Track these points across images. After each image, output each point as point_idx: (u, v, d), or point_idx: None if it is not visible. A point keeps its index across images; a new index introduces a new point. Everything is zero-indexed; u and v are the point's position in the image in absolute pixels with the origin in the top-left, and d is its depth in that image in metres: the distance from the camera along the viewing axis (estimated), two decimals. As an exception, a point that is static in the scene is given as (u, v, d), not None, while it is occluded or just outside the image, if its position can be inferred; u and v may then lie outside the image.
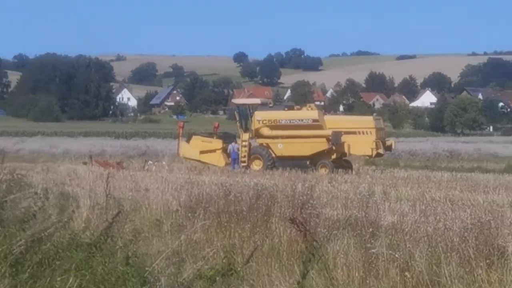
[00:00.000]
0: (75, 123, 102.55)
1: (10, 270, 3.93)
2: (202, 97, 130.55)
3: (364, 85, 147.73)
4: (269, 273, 4.99)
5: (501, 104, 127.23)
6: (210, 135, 27.49)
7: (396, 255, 4.55)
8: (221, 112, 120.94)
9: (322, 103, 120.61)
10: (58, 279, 3.92)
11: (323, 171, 22.61)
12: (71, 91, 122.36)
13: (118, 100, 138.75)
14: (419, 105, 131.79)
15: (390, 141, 27.47)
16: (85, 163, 22.89)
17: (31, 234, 4.23)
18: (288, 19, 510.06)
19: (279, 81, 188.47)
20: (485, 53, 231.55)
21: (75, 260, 4.15)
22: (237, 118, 26.37)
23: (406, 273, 4.17)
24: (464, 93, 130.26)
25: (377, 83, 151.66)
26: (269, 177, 17.63)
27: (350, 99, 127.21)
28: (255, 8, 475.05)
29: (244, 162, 24.30)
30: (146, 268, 4.16)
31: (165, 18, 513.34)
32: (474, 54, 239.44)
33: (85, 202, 8.64)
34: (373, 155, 24.81)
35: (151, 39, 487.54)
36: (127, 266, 4.03)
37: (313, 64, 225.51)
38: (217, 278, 3.60)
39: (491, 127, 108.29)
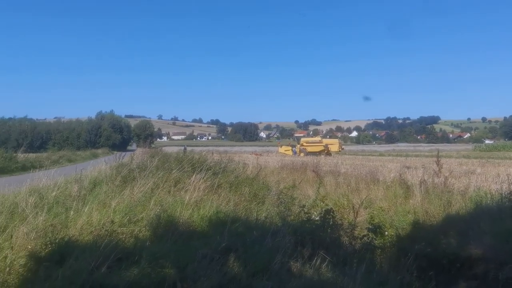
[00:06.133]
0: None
1: (229, 187, 13.65)
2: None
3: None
4: (306, 187, 14.56)
5: None
6: (287, 145, 68.92)
7: (345, 181, 13.95)
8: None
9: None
10: (243, 189, 13.50)
11: (322, 156, 46.24)
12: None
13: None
14: None
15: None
16: (251, 154, 49.85)
17: (234, 175, 13.79)
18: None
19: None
20: None
21: (247, 183, 13.57)
22: (296, 140, 70.24)
23: (345, 183, 13.70)
24: None
25: None
26: (305, 158, 30.68)
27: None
28: None
29: (297, 153, 57.05)
30: (269, 185, 13.82)
31: None
32: None
33: (250, 165, 19.03)
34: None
35: None
36: (263, 184, 13.76)
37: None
38: (289, 188, 13.22)
39: None
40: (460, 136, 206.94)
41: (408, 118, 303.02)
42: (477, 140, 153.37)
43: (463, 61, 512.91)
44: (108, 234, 5.38)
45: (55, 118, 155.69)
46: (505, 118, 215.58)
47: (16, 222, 5.58)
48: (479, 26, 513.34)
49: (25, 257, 4.52)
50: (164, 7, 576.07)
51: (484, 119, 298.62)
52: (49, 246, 4.76)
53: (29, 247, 4.80)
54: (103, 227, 5.52)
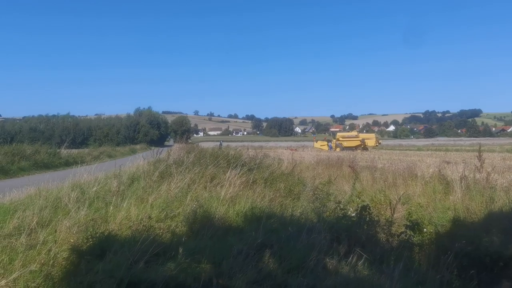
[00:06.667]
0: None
1: (264, 183, 13.65)
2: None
3: None
4: (341, 183, 14.40)
5: None
6: (323, 140, 68.83)
7: (381, 176, 13.70)
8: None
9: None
10: (278, 185, 13.50)
11: (358, 151, 47.83)
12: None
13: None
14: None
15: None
16: (286, 149, 51.73)
17: (269, 171, 13.82)
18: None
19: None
20: None
21: (282, 179, 13.59)
22: (332, 135, 68.66)
23: (382, 178, 13.46)
24: None
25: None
26: (341, 154, 30.58)
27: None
28: None
29: (333, 148, 57.28)
30: (304, 181, 13.76)
31: None
32: None
33: (285, 160, 19.09)
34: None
35: None
36: (298, 180, 13.72)
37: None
38: (325, 184, 13.11)
39: None
40: (503, 130, 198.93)
41: (447, 112, 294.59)
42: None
43: (506, 49, 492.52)
44: (146, 229, 5.51)
45: (96, 115, 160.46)
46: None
47: (59, 216, 5.81)
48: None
49: (68, 251, 4.69)
50: (205, 4, 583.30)
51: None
52: (90, 240, 4.92)
53: (72, 240, 4.98)
54: (141, 222, 5.65)
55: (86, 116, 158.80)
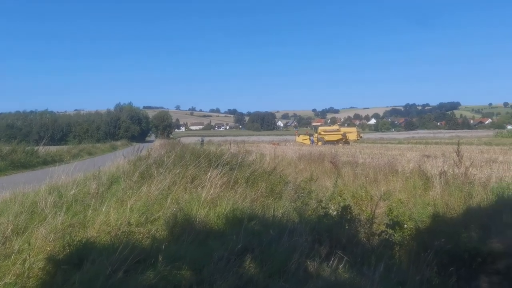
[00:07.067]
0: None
1: (245, 183, 13.56)
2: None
3: None
4: (323, 179, 14.46)
5: None
6: (305, 134, 66.72)
7: (363, 172, 13.80)
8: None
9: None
10: (259, 184, 13.47)
11: (340, 145, 49.17)
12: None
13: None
14: None
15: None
16: (269, 144, 53.11)
17: (251, 170, 13.78)
18: None
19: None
20: None
21: (264, 177, 13.58)
22: (314, 129, 70.37)
23: (363, 174, 13.55)
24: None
25: None
26: (323, 148, 31.94)
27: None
28: None
29: (315, 143, 57.53)
30: (286, 179, 13.76)
31: None
32: None
33: (267, 156, 19.04)
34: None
35: None
36: (280, 178, 13.69)
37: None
38: (307, 181, 13.14)
39: None
40: (481, 122, 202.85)
41: (427, 105, 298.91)
42: (499, 126, 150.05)
43: (482, 45, 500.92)
44: (125, 235, 5.41)
45: (75, 110, 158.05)
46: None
47: (36, 223, 5.66)
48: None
49: (44, 260, 4.57)
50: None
51: (506, 104, 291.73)
52: (68, 248, 4.80)
53: (48, 249, 4.85)
54: (120, 228, 5.55)
55: (65, 112, 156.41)
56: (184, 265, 4.48)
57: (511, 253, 7.00)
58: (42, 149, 27.16)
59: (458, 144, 14.70)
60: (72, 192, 7.73)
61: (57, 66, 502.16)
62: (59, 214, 5.93)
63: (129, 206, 6.53)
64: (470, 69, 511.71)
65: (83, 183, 9.03)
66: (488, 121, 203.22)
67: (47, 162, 24.95)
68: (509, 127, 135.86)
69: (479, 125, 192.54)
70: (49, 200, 6.80)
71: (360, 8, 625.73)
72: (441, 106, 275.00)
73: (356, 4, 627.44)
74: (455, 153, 11.79)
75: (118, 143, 67.42)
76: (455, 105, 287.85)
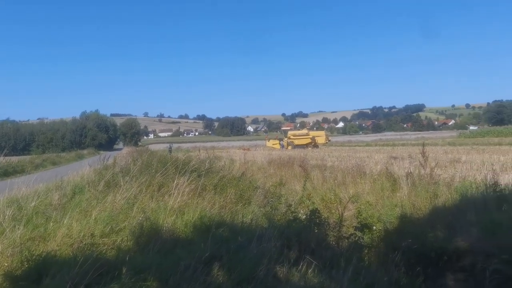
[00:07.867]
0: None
1: (214, 189, 13.42)
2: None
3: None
4: (293, 182, 14.49)
5: None
6: (275, 139, 68.60)
7: (331, 175, 13.93)
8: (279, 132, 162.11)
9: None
10: (228, 190, 13.37)
11: (309, 149, 49.34)
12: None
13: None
14: None
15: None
16: (239, 149, 54.38)
17: (220, 176, 13.66)
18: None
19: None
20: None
21: (233, 183, 13.48)
22: (283, 134, 68.99)
23: (332, 177, 13.66)
24: None
25: None
26: (292, 152, 32.03)
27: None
28: None
29: (285, 147, 57.96)
30: (256, 184, 13.71)
31: None
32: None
33: (237, 161, 18.89)
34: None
35: None
36: (250, 183, 13.64)
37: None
38: (277, 186, 13.15)
39: None
40: (445, 123, 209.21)
41: (394, 107, 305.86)
42: (461, 126, 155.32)
43: (445, 47, 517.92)
44: (88, 247, 5.22)
45: (38, 119, 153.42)
46: (488, 103, 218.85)
47: (-8, 238, 5.39)
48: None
49: (1, 277, 4.34)
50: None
51: (468, 106, 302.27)
52: (26, 263, 4.59)
53: (6, 264, 4.63)
54: (83, 240, 5.35)
55: (28, 120, 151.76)
56: (149, 275, 4.35)
57: (475, 250, 7.15)
58: (2, 160, 26.18)
59: (423, 145, 15.05)
60: (33, 204, 7.43)
61: (17, 72, 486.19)
62: (18, 228, 5.68)
63: (93, 216, 6.33)
64: (434, 71, 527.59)
65: (44, 194, 8.71)
66: (452, 122, 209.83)
67: (7, 173, 24.08)
68: (471, 127, 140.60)
69: (443, 126, 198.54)
70: (8, 213, 6.51)
71: (324, 12, 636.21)
72: (407, 108, 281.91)
73: (322, 9, 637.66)
74: (420, 154, 12.02)
75: (85, 151, 65.90)
76: (420, 107, 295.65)
